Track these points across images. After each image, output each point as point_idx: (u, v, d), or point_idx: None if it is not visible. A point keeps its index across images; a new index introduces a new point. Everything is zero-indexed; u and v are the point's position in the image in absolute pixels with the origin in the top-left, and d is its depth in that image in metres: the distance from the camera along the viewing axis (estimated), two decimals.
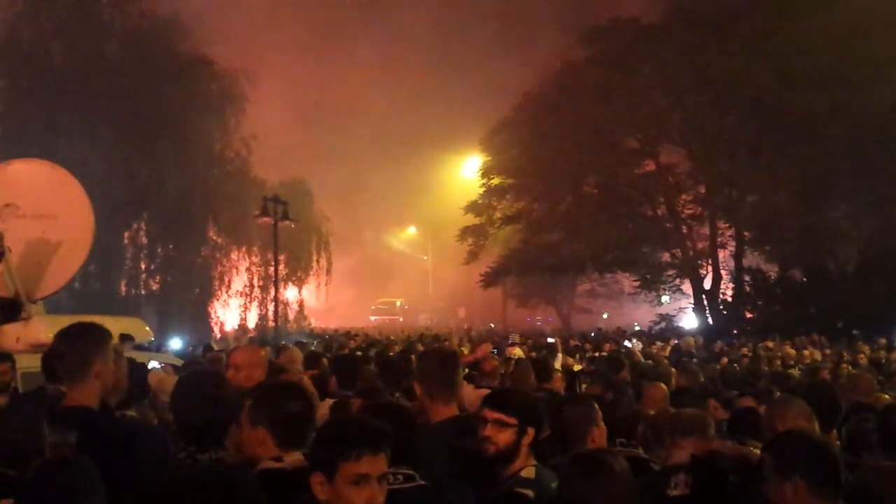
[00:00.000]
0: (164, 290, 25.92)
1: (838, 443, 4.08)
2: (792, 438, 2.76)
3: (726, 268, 29.51)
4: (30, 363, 5.22)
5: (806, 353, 13.78)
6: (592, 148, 28.46)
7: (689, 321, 30.01)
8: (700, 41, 25.93)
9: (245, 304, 29.54)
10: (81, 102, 22.89)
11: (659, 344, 17.90)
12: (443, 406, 3.42)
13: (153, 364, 6.43)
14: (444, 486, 2.75)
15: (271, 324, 26.02)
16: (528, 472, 2.96)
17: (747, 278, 28.43)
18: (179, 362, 7.88)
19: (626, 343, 18.62)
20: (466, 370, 6.69)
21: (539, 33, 42.04)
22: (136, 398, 4.12)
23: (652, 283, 30.31)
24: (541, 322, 43.85)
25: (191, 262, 26.41)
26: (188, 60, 25.67)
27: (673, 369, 7.32)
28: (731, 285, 29.21)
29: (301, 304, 33.06)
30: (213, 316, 27.71)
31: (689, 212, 29.72)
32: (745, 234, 28.62)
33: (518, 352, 9.67)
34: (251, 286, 29.74)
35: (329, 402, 4.61)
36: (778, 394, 5.15)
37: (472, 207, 33.62)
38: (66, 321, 3.16)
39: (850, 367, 10.24)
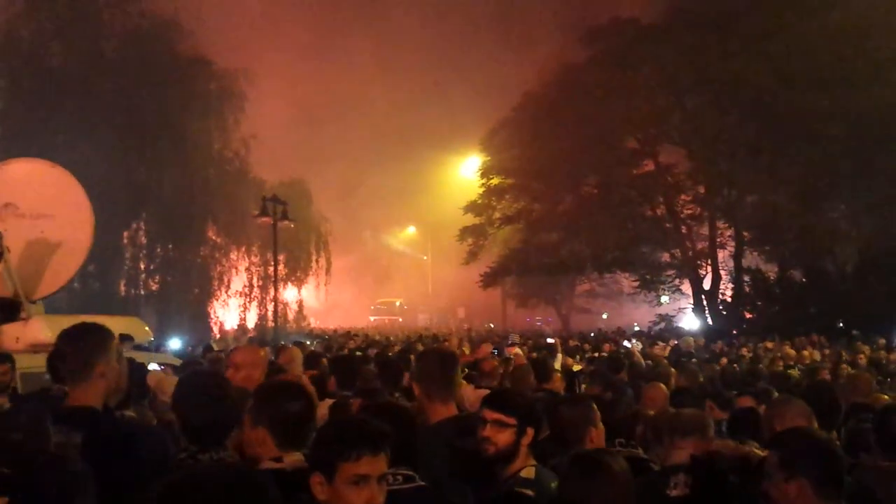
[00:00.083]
0: (164, 290, 25.90)
1: (837, 443, 4.08)
2: (796, 437, 2.72)
3: (726, 268, 29.54)
4: (29, 363, 5.22)
5: (805, 353, 13.77)
6: (592, 148, 28.48)
7: (688, 321, 30.01)
8: (700, 41, 25.95)
9: (244, 304, 29.53)
10: (81, 102, 22.89)
11: (661, 344, 17.90)
12: (441, 406, 3.43)
13: (153, 366, 6.42)
14: (444, 486, 2.75)
15: (271, 324, 26.01)
16: (528, 473, 2.96)
17: (747, 278, 28.44)
18: (178, 362, 7.88)
19: (626, 343, 18.62)
20: (466, 370, 6.71)
21: (539, 33, 42.01)
22: (135, 398, 4.13)
23: (651, 283, 30.36)
24: (540, 322, 43.86)
25: (190, 262, 26.40)
26: (187, 60, 25.66)
27: (672, 369, 7.32)
28: (730, 285, 29.23)
29: (300, 304, 33.05)
30: (212, 316, 27.70)
31: (689, 212, 29.75)
32: (745, 234, 28.64)
33: (518, 351, 9.67)
34: (250, 286, 29.73)
35: (328, 402, 4.62)
36: (776, 394, 5.15)
37: (472, 207, 33.65)
38: (65, 321, 3.15)
39: (850, 368, 10.22)
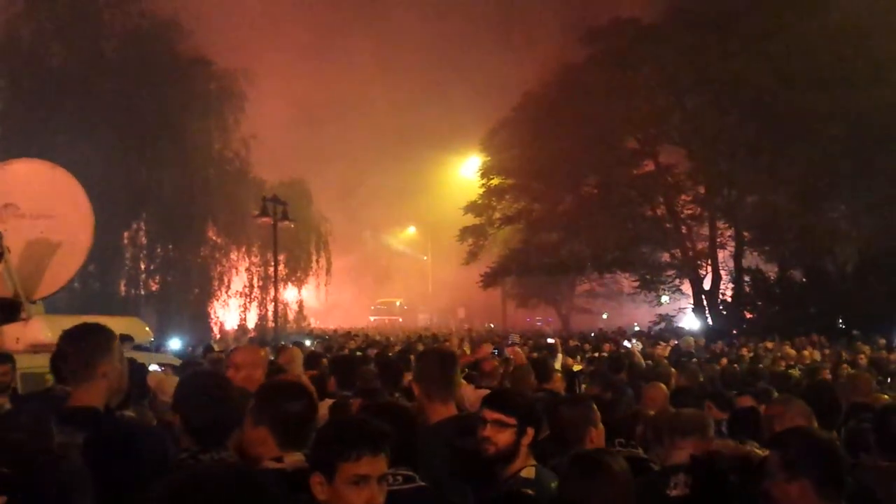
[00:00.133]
0: (164, 291, 25.92)
1: (837, 443, 4.08)
2: (798, 437, 2.69)
3: (726, 268, 29.52)
4: (29, 364, 5.22)
5: (806, 353, 13.76)
6: (592, 148, 28.47)
7: (688, 321, 30.01)
8: (700, 41, 25.95)
9: (244, 304, 29.55)
10: (81, 102, 22.92)
11: (661, 345, 17.89)
12: (441, 406, 3.43)
13: (153, 366, 6.42)
14: (444, 486, 2.76)
15: (271, 324, 26.03)
16: (528, 473, 2.97)
17: (747, 279, 28.42)
18: (179, 363, 7.87)
19: (626, 343, 18.61)
20: (466, 370, 6.71)
21: (539, 33, 42.02)
22: (135, 399, 4.13)
23: (651, 283, 30.35)
24: (541, 322, 43.84)
25: (190, 263, 26.42)
26: (187, 60, 25.69)
27: (672, 369, 7.32)
28: (730, 286, 29.21)
29: (300, 305, 33.08)
30: (212, 316, 27.72)
31: (689, 212, 29.74)
32: (745, 234, 28.62)
33: (518, 351, 9.65)
34: (250, 286, 29.76)
35: (328, 402, 4.61)
36: (777, 394, 5.15)
37: (472, 208, 33.64)
38: (65, 321, 3.15)
39: (850, 368, 10.22)
